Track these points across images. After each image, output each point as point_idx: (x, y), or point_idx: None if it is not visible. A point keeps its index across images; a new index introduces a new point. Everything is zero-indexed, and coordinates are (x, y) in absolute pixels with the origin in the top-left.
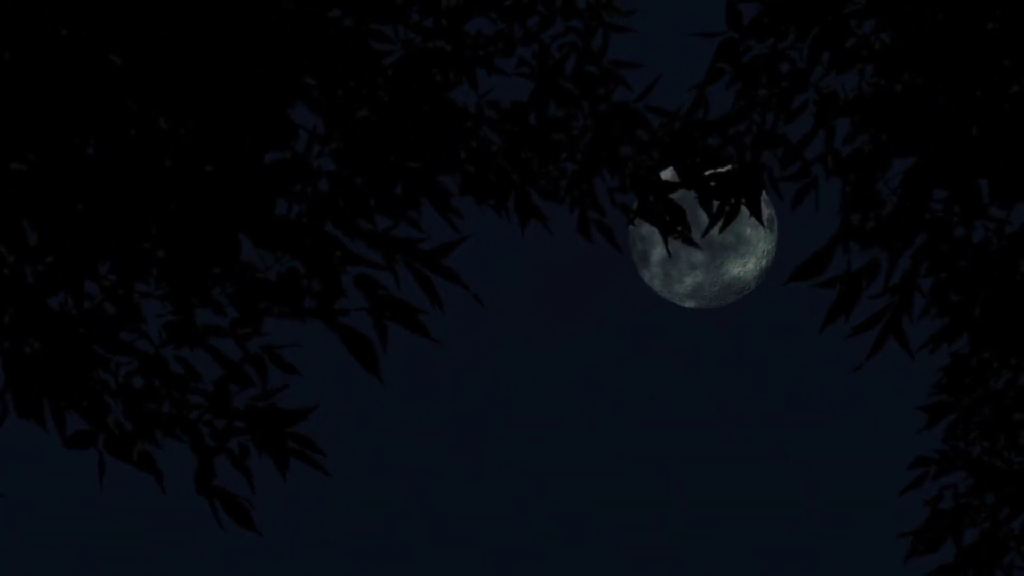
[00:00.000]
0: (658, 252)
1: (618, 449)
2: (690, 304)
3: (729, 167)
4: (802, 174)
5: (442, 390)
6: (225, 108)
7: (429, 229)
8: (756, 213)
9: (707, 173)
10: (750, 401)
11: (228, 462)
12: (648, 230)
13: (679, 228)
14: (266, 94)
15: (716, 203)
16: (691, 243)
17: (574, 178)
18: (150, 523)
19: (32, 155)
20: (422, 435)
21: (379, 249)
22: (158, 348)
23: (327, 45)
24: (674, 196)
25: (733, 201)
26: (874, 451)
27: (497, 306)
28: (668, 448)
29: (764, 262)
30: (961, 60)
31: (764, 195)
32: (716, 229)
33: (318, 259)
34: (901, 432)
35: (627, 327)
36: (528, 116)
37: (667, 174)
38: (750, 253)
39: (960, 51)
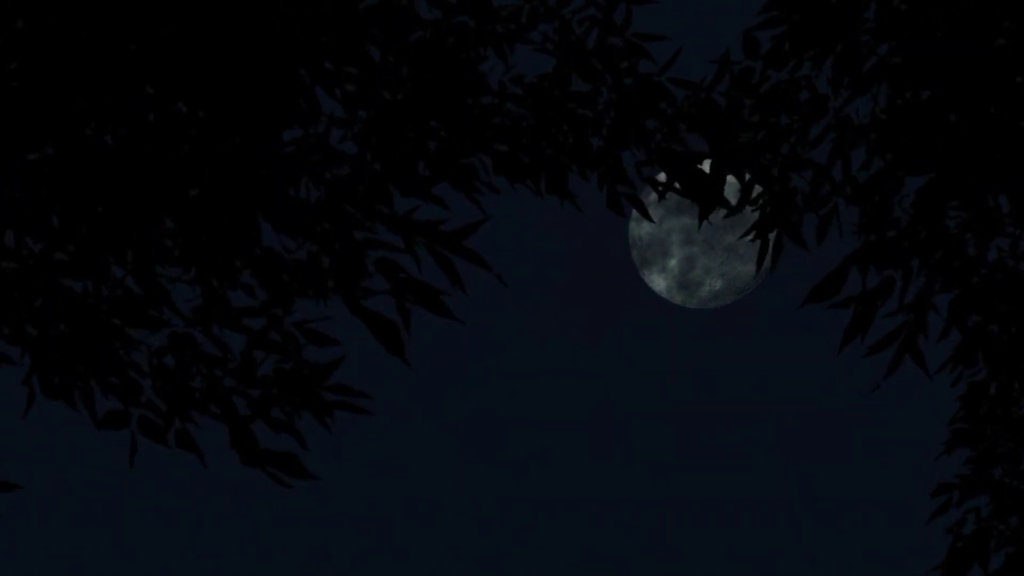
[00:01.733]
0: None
1: (617, 449)
2: (693, 304)
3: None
4: (825, 199)
5: (448, 382)
6: (243, 89)
7: (451, 210)
8: (796, 238)
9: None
10: (750, 401)
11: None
12: (649, 231)
13: (716, 201)
14: (285, 75)
15: (752, 237)
16: (731, 209)
17: (601, 153)
18: (151, 513)
19: (50, 144)
20: (420, 430)
21: (399, 232)
22: (188, 326)
23: (352, 21)
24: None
25: (776, 236)
26: (876, 451)
27: (496, 305)
28: (667, 448)
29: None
30: (974, 77)
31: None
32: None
33: (339, 242)
34: (902, 431)
35: (627, 327)
36: (553, 91)
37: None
38: (750, 254)
39: (972, 68)
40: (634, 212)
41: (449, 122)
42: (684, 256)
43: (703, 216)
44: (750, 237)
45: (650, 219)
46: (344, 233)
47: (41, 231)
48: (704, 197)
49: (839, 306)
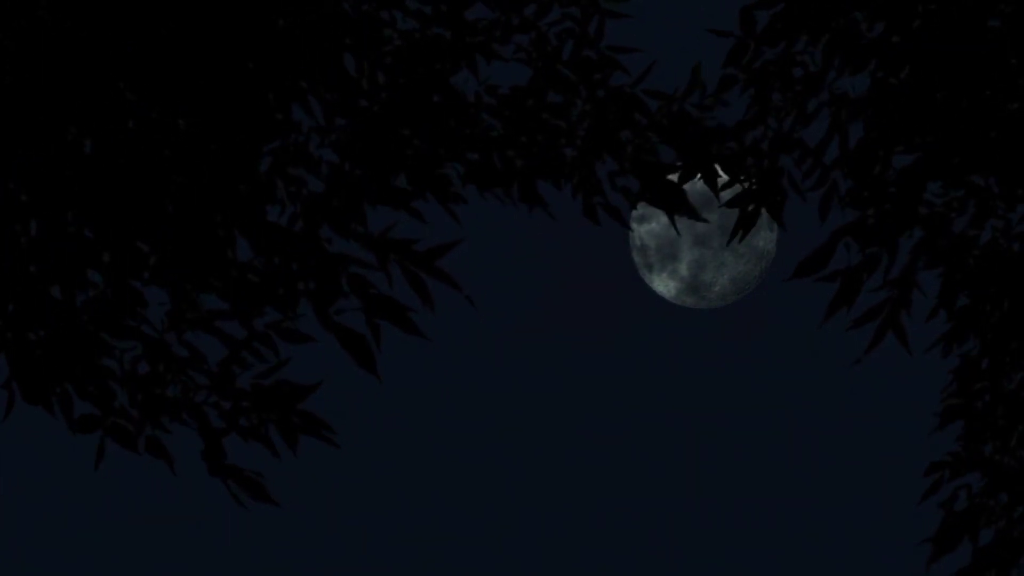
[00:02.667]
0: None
1: (616, 449)
2: (690, 303)
3: (743, 175)
4: (822, 179)
5: (437, 389)
6: (221, 102)
7: (429, 220)
8: (778, 218)
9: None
10: (750, 401)
11: (233, 444)
12: (648, 232)
13: (682, 209)
14: (263, 89)
15: (730, 204)
16: (698, 218)
17: (575, 163)
18: (142, 512)
19: (28, 151)
20: (417, 435)
21: (373, 250)
22: (161, 333)
23: (328, 30)
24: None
25: (753, 208)
26: (880, 450)
27: (494, 304)
28: (668, 448)
29: (765, 261)
30: (966, 57)
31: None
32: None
33: (314, 263)
34: (905, 431)
35: (626, 327)
36: (527, 102)
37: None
38: (751, 252)
39: (965, 48)
40: (633, 213)
41: (423, 131)
42: (693, 258)
43: (672, 218)
44: (725, 204)
45: (628, 227)
46: (319, 253)
47: (15, 238)
48: (672, 207)
49: (825, 279)
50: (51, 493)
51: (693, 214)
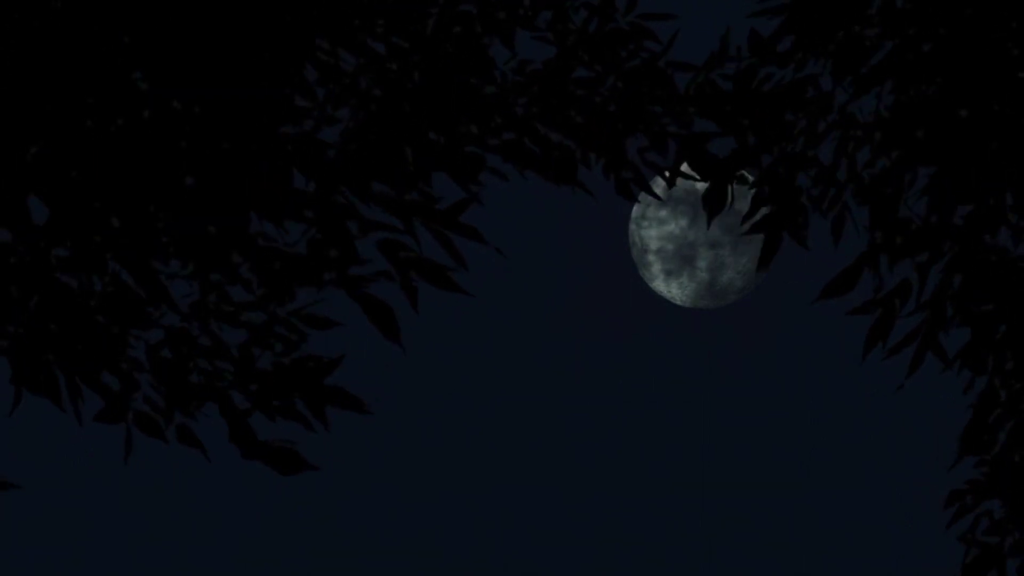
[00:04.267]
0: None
1: (616, 450)
2: (689, 304)
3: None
4: (833, 201)
5: (435, 381)
6: (240, 82)
7: (443, 199)
8: (801, 240)
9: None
10: (750, 401)
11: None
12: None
13: (719, 179)
14: (281, 70)
15: (748, 230)
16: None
17: (606, 141)
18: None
19: (45, 139)
20: (416, 435)
21: (395, 214)
22: (185, 320)
23: (354, 13)
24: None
25: (777, 232)
26: (878, 451)
27: (493, 303)
28: (667, 449)
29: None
30: (979, 74)
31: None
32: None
33: (331, 228)
34: (905, 431)
35: (626, 327)
36: (556, 78)
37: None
38: (749, 253)
39: (978, 64)
40: (633, 213)
41: (458, 110)
42: (709, 261)
43: (712, 215)
44: (746, 231)
45: (660, 199)
46: (337, 218)
47: (27, 225)
48: (710, 177)
49: (858, 312)
50: (53, 490)
51: (731, 180)
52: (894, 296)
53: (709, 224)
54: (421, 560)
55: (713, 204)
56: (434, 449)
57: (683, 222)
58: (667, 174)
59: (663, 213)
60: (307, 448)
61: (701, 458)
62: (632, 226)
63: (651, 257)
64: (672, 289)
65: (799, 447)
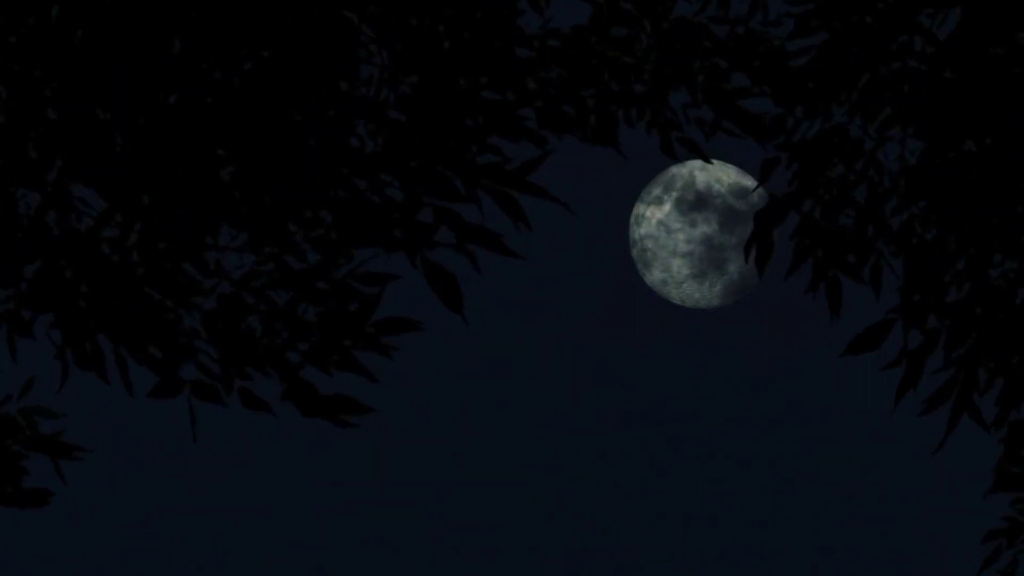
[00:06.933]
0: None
1: (615, 450)
2: (690, 304)
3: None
4: (869, 248)
5: (435, 380)
6: (293, 48)
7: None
8: (856, 277)
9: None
10: (750, 401)
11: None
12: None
13: (760, 134)
14: (334, 38)
15: (808, 288)
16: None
17: (646, 99)
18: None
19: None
20: (417, 435)
21: (462, 175)
22: (236, 289)
23: None
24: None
25: (832, 274)
26: (874, 451)
27: (493, 303)
28: (667, 449)
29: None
30: (1008, 124)
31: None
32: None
33: (408, 190)
34: (907, 431)
35: (625, 327)
36: (591, 39)
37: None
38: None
39: (1006, 116)
40: (633, 214)
41: (492, 76)
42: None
43: (762, 266)
44: (808, 289)
45: (707, 159)
46: (407, 182)
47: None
48: (751, 132)
49: (888, 367)
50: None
51: (768, 136)
52: (923, 351)
53: (761, 274)
54: (421, 560)
55: (760, 255)
56: (433, 449)
57: (683, 222)
58: (707, 129)
59: (663, 213)
60: (308, 448)
61: (701, 458)
62: (632, 226)
63: (649, 256)
64: (672, 289)
65: (799, 447)
